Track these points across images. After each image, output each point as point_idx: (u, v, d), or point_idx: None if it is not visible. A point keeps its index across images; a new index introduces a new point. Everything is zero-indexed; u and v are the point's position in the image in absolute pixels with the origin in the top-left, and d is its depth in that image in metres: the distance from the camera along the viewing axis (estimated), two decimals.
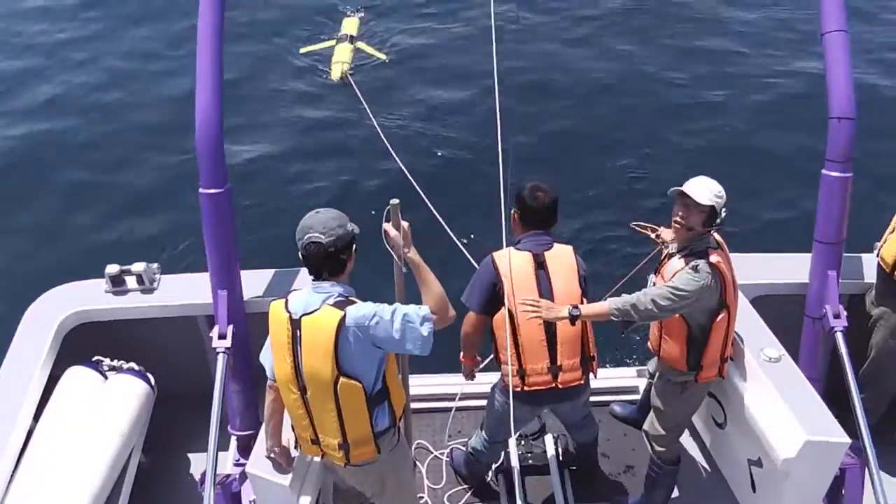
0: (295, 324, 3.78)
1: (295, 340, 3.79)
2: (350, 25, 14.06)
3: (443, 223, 5.68)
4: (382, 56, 13.43)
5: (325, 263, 3.78)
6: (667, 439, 4.96)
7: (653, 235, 5.09)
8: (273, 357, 3.96)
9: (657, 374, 4.89)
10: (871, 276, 5.45)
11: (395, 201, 3.90)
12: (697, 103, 11.72)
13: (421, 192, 6.87)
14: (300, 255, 3.82)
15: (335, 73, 12.81)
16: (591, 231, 9.17)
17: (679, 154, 10.44)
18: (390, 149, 8.50)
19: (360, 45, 13.59)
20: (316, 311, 3.75)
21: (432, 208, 6.49)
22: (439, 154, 10.83)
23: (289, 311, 3.83)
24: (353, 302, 3.79)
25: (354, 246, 3.85)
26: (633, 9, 14.43)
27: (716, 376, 4.72)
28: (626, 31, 13.80)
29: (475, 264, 5.03)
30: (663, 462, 5.00)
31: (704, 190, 4.29)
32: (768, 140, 10.84)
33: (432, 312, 3.77)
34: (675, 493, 5.32)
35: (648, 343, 4.87)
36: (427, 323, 3.73)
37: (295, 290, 3.97)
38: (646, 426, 5.06)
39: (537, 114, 11.35)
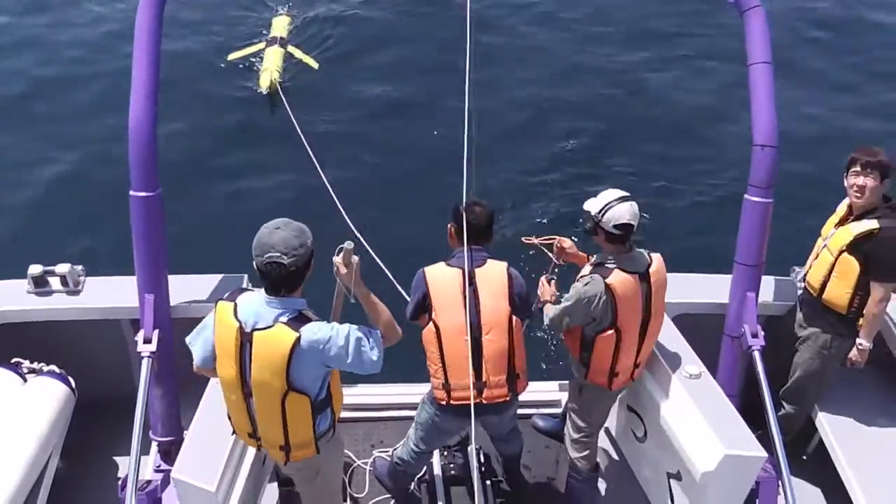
0: (245, 336, 3.76)
1: (243, 350, 3.78)
2: (280, 26, 13.39)
3: (363, 241, 5.68)
4: (313, 63, 12.77)
5: (284, 283, 3.76)
6: (580, 444, 5.10)
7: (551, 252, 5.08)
8: (217, 359, 3.95)
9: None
10: (786, 297, 5.66)
11: (350, 245, 3.93)
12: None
13: (342, 210, 6.94)
14: (257, 270, 3.76)
15: (264, 82, 11.98)
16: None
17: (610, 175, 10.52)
18: (317, 164, 8.40)
19: (291, 49, 12.93)
20: (270, 327, 3.74)
21: (352, 225, 6.54)
22: (374, 162, 10.74)
23: (238, 321, 3.79)
24: (307, 318, 3.81)
25: (312, 261, 3.83)
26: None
27: (606, 385, 4.83)
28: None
29: (394, 281, 5.12)
30: (580, 468, 5.12)
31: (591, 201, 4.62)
32: (691, 162, 11.09)
33: (382, 336, 3.90)
34: None
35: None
36: (377, 348, 3.84)
37: (246, 289, 3.98)
38: (565, 431, 5.20)
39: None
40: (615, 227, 4.47)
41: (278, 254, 3.66)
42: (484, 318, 4.53)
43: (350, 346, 3.77)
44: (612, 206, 4.49)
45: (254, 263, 3.75)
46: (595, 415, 5.11)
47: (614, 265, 4.56)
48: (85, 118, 11.32)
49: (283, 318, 3.76)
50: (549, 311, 4.74)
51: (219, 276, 5.46)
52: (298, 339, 3.70)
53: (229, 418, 4.19)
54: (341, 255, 3.92)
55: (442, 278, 4.57)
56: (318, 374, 3.86)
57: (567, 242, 4.99)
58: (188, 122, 11.17)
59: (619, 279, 4.52)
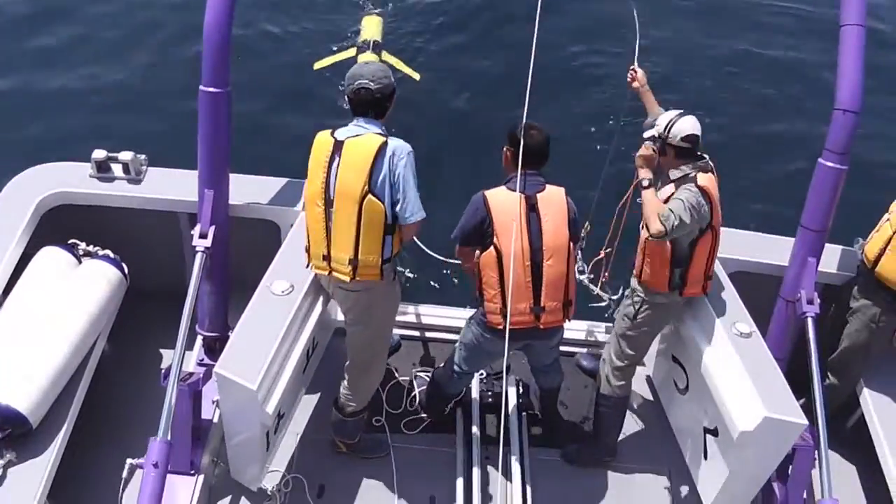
0: (337, 145, 4.31)
1: (332, 160, 4.30)
2: (371, 27, 10.89)
3: None
4: (414, 74, 10.39)
5: (371, 105, 4.34)
6: (621, 373, 5.16)
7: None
8: (308, 175, 4.44)
9: (628, 300, 5.09)
10: (847, 268, 5.56)
11: None
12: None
13: None
14: (346, 98, 4.41)
15: None
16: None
17: None
18: None
19: (387, 56, 10.47)
20: (360, 136, 4.31)
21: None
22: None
23: (334, 137, 4.35)
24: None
25: (394, 97, 4.40)
26: None
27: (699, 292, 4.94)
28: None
29: None
30: (615, 396, 5.18)
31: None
32: (766, 121, 10.83)
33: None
34: (626, 454, 5.43)
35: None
36: (420, 210, 4.38)
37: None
38: (604, 356, 5.26)
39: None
40: (682, 139, 4.65)
41: (367, 81, 4.30)
42: (546, 244, 4.53)
43: (411, 176, 4.31)
44: (674, 121, 4.67)
45: (346, 97, 4.41)
46: (647, 342, 5.20)
47: (693, 171, 4.69)
48: (165, 10, 11.27)
49: (374, 131, 4.33)
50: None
51: (281, 180, 5.47)
52: (385, 143, 4.27)
53: (307, 250, 4.58)
54: None
55: (504, 202, 4.53)
56: (391, 188, 4.29)
57: (641, 72, 5.20)
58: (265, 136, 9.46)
59: (706, 178, 4.68)
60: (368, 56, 10.28)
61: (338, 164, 4.28)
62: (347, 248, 4.36)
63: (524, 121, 4.45)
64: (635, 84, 5.23)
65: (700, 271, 4.85)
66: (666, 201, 4.67)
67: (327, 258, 4.47)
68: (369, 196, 4.24)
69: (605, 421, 5.31)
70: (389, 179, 4.27)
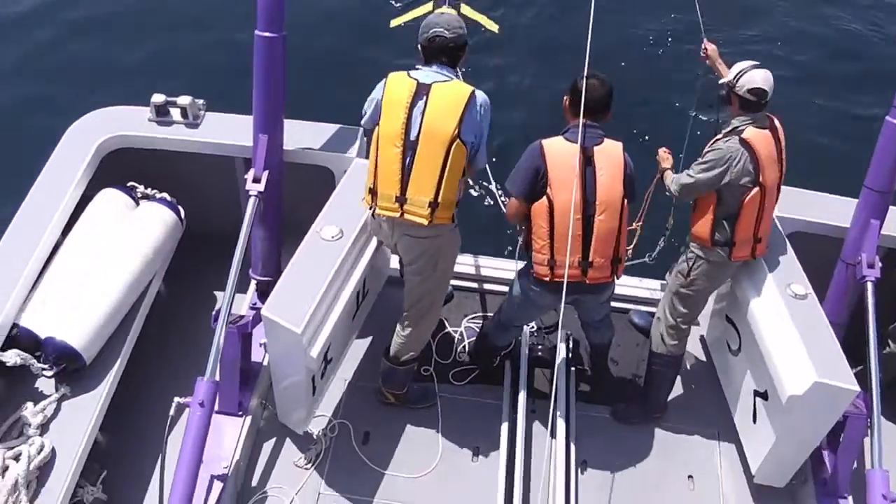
0: (422, 87, 4.36)
1: (415, 101, 4.34)
2: None
3: None
4: (492, 26, 9.90)
5: (445, 52, 4.42)
6: (676, 331, 5.11)
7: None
8: (383, 114, 4.44)
9: (682, 257, 5.05)
10: None
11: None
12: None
13: None
14: (420, 46, 4.48)
15: None
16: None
17: None
18: None
19: (466, 9, 9.71)
20: (448, 81, 4.39)
21: None
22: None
23: (415, 79, 4.39)
24: None
25: (466, 48, 4.50)
26: None
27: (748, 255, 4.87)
28: None
29: None
30: (668, 355, 5.14)
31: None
32: (835, 80, 10.52)
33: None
34: (675, 413, 5.39)
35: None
36: (484, 163, 4.62)
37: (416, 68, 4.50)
38: (658, 313, 5.22)
39: None
40: (749, 91, 4.58)
41: (442, 29, 4.41)
42: (599, 198, 4.47)
43: (488, 127, 4.50)
44: (745, 71, 4.62)
45: (419, 45, 4.48)
46: (701, 301, 5.16)
47: (745, 125, 4.62)
48: None
49: (453, 77, 4.44)
50: (680, 176, 4.80)
51: (335, 126, 5.46)
52: (473, 93, 4.37)
53: (371, 191, 4.54)
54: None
55: (560, 153, 4.46)
56: (474, 135, 4.42)
57: (712, 47, 5.13)
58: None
59: (753, 133, 4.61)
60: (446, 9, 9.52)
61: (424, 106, 4.32)
62: (429, 189, 4.38)
63: (585, 70, 4.35)
64: (708, 60, 5.18)
65: (748, 231, 4.74)
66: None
67: (400, 199, 4.44)
68: (458, 140, 4.32)
69: (656, 379, 5.26)
70: (473, 127, 4.38)
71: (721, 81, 4.81)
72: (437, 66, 4.43)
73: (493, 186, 6.11)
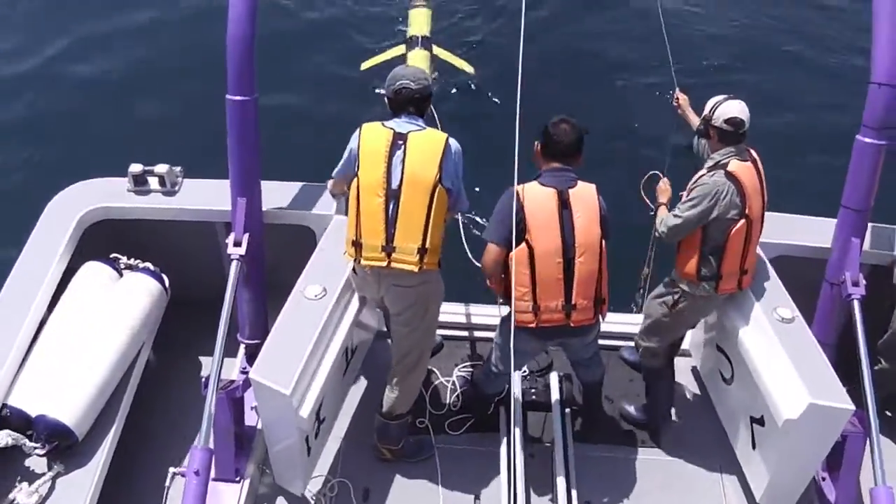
0: (400, 136, 4.44)
1: (393, 151, 4.41)
2: (419, 21, 10.27)
3: None
4: (468, 68, 10.10)
5: (412, 103, 4.52)
6: (658, 348, 5.20)
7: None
8: (361, 164, 4.49)
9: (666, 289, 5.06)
10: (892, 247, 5.39)
11: None
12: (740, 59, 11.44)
13: None
14: (386, 98, 4.59)
15: None
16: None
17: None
18: None
19: (438, 51, 10.09)
20: (420, 130, 4.49)
21: None
22: None
23: (391, 129, 4.48)
24: None
25: (431, 98, 4.63)
26: None
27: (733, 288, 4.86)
28: None
29: None
30: (656, 367, 5.25)
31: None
32: (802, 102, 10.64)
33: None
34: (676, 446, 5.38)
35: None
36: (465, 206, 4.76)
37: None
38: (638, 333, 5.32)
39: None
40: (726, 121, 4.60)
41: (408, 81, 4.52)
42: (578, 241, 4.48)
43: (461, 172, 4.57)
44: (720, 103, 4.66)
45: (385, 97, 4.60)
46: (682, 329, 5.28)
47: (728, 158, 4.64)
48: (185, 23, 11.38)
49: (424, 126, 4.54)
50: (667, 218, 4.79)
51: (313, 185, 5.47)
52: (448, 139, 4.49)
53: (354, 244, 4.56)
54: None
55: (537, 197, 4.48)
56: (453, 178, 4.51)
57: (684, 97, 5.32)
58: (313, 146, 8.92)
59: (738, 166, 4.62)
60: (418, 53, 9.79)
61: (403, 155, 4.39)
62: (416, 236, 4.43)
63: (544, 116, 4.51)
64: (679, 110, 5.34)
65: (734, 264, 4.75)
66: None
67: (387, 249, 4.47)
68: (440, 185, 4.41)
69: (651, 391, 5.38)
70: (450, 173, 4.47)
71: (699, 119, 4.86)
72: (405, 117, 4.51)
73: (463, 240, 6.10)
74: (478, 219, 7.38)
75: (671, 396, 5.44)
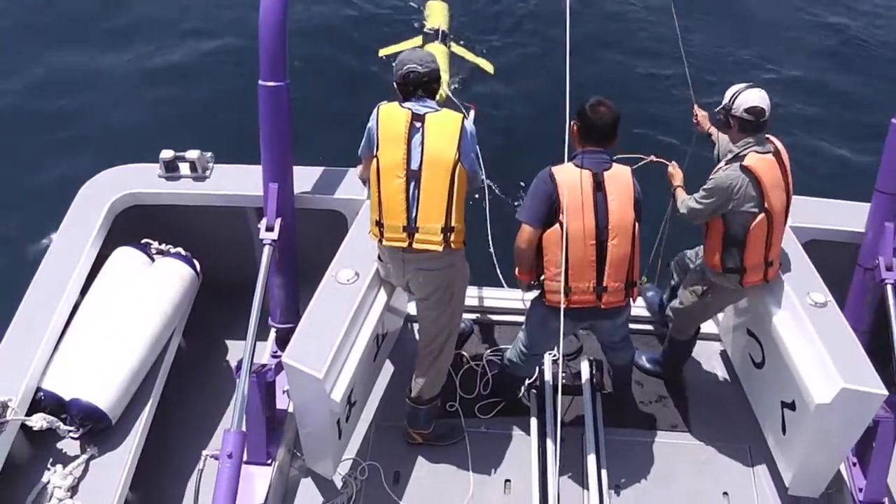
0: (418, 117, 4.42)
1: (412, 132, 4.41)
2: (437, 13, 10.10)
3: None
4: (488, 66, 9.82)
5: (420, 86, 4.49)
6: (689, 328, 5.31)
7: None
8: (381, 147, 4.47)
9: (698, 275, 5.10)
10: None
11: None
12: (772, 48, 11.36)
13: None
14: (395, 84, 4.55)
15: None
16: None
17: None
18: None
19: (456, 48, 9.88)
20: (436, 111, 4.47)
21: None
22: None
23: (409, 110, 4.46)
24: None
25: (439, 81, 4.60)
26: None
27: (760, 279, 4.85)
28: None
29: None
30: (683, 340, 5.39)
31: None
32: (840, 86, 10.54)
33: None
34: (706, 431, 5.37)
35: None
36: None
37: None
38: (671, 307, 5.36)
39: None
40: (746, 111, 4.55)
41: (415, 65, 4.48)
42: (612, 223, 4.47)
43: (476, 150, 4.60)
44: (740, 92, 4.61)
45: (394, 82, 4.56)
46: (710, 313, 5.35)
47: (747, 150, 4.60)
48: (217, 10, 11.48)
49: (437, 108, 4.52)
50: (688, 200, 4.81)
51: (344, 170, 5.49)
52: (463, 119, 4.49)
53: (377, 224, 4.54)
54: None
55: (571, 179, 4.46)
56: (469, 157, 4.50)
57: (702, 112, 5.25)
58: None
59: (755, 159, 4.58)
60: (436, 46, 9.46)
61: (422, 136, 4.39)
62: (439, 216, 4.43)
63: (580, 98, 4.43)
64: (698, 126, 5.28)
65: (758, 257, 4.73)
66: None
67: (409, 230, 4.47)
68: (459, 165, 4.40)
69: (671, 347, 5.51)
70: (467, 152, 4.46)
71: (717, 109, 4.79)
72: (416, 101, 4.50)
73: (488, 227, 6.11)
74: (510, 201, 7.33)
75: (687, 356, 5.53)
